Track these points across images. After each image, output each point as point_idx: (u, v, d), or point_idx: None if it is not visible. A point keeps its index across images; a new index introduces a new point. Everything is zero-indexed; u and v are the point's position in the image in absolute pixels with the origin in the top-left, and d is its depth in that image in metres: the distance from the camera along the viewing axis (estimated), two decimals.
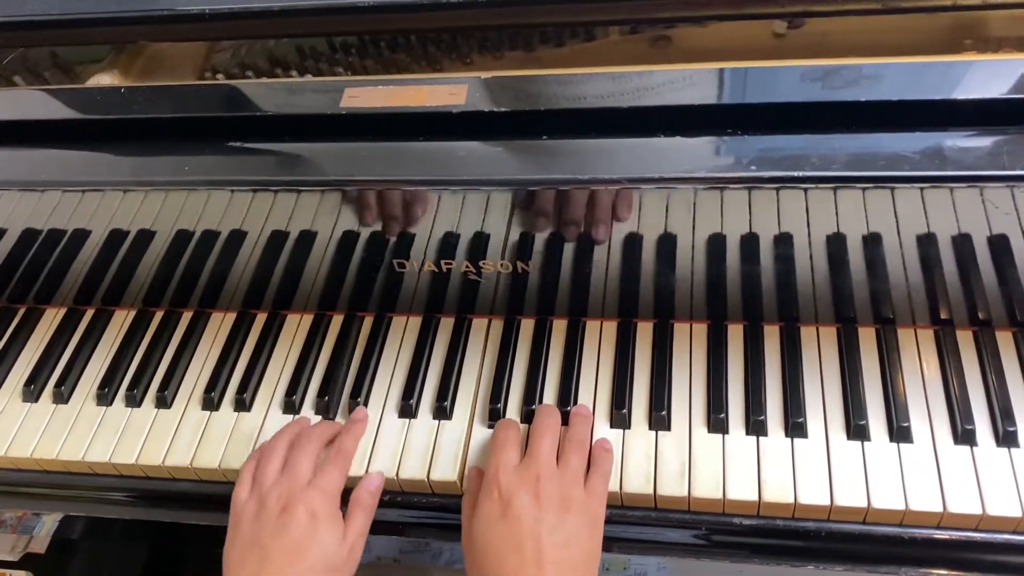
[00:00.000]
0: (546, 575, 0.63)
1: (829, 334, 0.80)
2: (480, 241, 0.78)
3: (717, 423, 0.75)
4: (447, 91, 0.72)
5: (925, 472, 0.70)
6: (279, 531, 0.68)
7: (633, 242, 0.75)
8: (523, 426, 0.77)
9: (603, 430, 0.77)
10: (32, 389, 0.87)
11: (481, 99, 0.72)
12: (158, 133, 0.77)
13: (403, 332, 0.87)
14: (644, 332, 0.83)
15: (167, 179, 0.75)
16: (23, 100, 0.81)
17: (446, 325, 0.86)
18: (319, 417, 0.82)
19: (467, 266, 0.80)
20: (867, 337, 0.79)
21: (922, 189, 0.66)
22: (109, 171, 0.77)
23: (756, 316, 0.81)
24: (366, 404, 0.81)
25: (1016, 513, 0.68)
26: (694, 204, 0.71)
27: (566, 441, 0.73)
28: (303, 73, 0.84)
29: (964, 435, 0.72)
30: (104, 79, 0.85)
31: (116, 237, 0.84)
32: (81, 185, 0.78)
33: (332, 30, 0.80)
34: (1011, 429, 0.71)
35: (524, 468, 0.69)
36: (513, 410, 0.79)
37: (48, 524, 1.23)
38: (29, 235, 0.86)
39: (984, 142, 0.65)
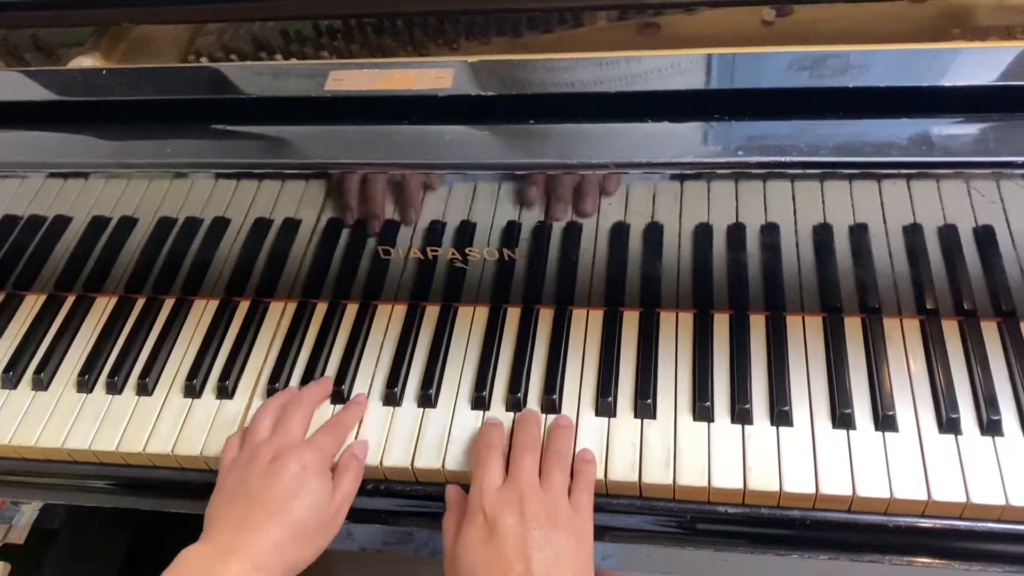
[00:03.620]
0: None
1: (815, 323, 0.80)
2: (466, 227, 0.77)
3: (702, 411, 0.75)
4: (434, 75, 0.72)
5: (910, 460, 0.70)
6: (268, 478, 0.68)
7: (620, 230, 0.75)
8: (506, 426, 0.76)
9: (588, 418, 0.76)
10: (11, 376, 0.85)
11: (468, 83, 0.71)
12: (141, 116, 0.76)
13: (388, 320, 0.86)
14: (630, 320, 0.82)
15: (149, 161, 0.74)
16: (2, 82, 0.80)
17: (431, 313, 0.86)
18: None
19: (453, 253, 0.80)
20: (853, 326, 0.79)
21: (909, 176, 0.66)
22: (90, 153, 0.76)
23: (742, 305, 0.81)
24: (350, 392, 0.81)
25: (1000, 501, 0.68)
26: (681, 192, 0.70)
27: (547, 455, 0.72)
28: (288, 57, 0.83)
29: (949, 424, 0.72)
30: (86, 62, 0.84)
31: (98, 224, 0.83)
32: (62, 167, 0.77)
33: (317, 13, 0.80)
34: (995, 418, 0.71)
35: (507, 489, 0.68)
36: (498, 398, 0.79)
37: (28, 514, 1.22)
38: (9, 221, 0.84)
39: (971, 129, 0.65)
